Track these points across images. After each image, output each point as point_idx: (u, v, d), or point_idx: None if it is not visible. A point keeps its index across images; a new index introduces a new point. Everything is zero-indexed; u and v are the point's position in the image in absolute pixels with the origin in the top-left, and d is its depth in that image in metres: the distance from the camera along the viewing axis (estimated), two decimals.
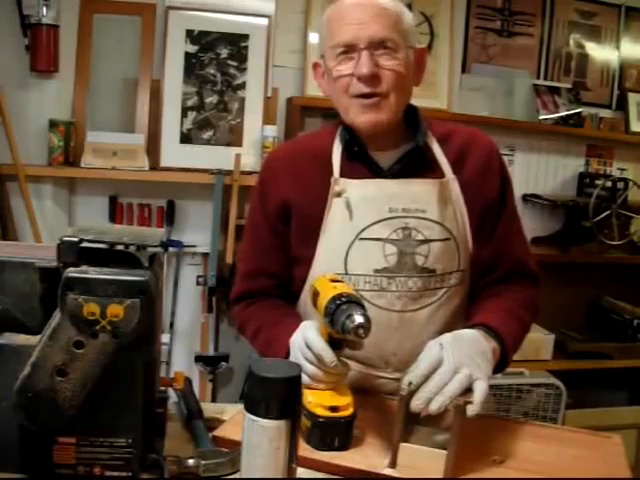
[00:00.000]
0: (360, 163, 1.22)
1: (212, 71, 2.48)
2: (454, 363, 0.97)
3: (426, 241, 1.18)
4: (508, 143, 2.86)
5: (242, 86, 2.51)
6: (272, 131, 2.47)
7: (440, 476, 0.94)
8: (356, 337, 0.93)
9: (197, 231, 2.56)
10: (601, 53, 3.02)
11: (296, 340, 1.09)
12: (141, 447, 0.86)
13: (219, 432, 1.05)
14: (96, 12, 2.40)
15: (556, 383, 2.54)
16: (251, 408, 0.78)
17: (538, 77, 2.93)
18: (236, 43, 2.49)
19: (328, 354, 1.01)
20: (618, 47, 3.03)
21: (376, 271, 1.18)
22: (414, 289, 1.19)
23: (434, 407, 0.94)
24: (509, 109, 2.83)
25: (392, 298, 1.18)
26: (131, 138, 2.40)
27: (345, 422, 1.01)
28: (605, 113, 3.01)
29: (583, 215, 2.73)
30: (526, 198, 2.88)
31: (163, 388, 0.99)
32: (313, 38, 2.53)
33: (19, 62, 2.31)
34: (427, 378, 0.96)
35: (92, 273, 0.82)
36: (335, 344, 1.01)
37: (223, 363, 2.54)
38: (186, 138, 2.47)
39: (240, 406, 0.84)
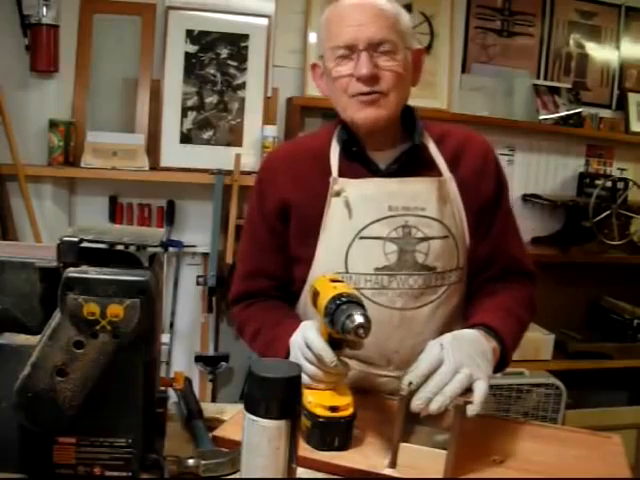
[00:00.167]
0: (358, 163, 1.23)
1: (212, 71, 2.48)
2: (454, 363, 0.97)
3: (426, 239, 1.19)
4: (508, 143, 2.86)
5: (242, 86, 2.51)
6: (272, 131, 2.47)
7: (440, 476, 0.94)
8: (356, 337, 0.93)
9: (197, 231, 2.56)
10: (601, 53, 3.02)
11: (296, 340, 1.09)
12: (141, 447, 0.86)
13: (219, 432, 1.05)
14: (96, 12, 2.40)
15: (556, 383, 2.54)
16: (251, 408, 0.78)
17: (538, 77, 2.93)
18: (236, 43, 2.49)
19: (328, 354, 1.01)
20: (618, 47, 3.03)
21: (377, 269, 1.18)
22: (415, 287, 1.19)
23: (434, 407, 0.94)
24: (509, 109, 2.83)
25: (393, 296, 1.19)
26: (131, 138, 2.40)
27: (345, 422, 1.01)
28: (605, 113, 3.01)
29: (583, 215, 2.73)
30: (526, 198, 2.88)
31: (163, 388, 0.99)
32: (313, 38, 2.53)
33: (19, 62, 2.31)
34: (427, 378, 0.96)
35: (92, 273, 0.82)
36: (335, 344, 1.01)
37: (223, 363, 2.54)
38: (186, 138, 2.47)
39: (240, 406, 0.84)
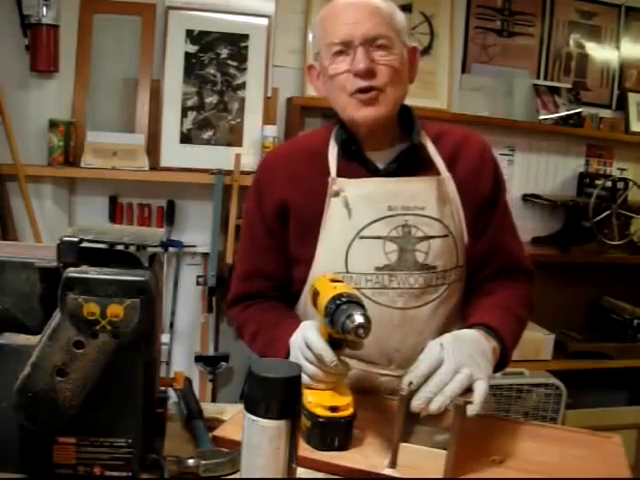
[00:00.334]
0: (356, 162, 1.23)
1: (212, 71, 2.48)
2: (454, 363, 0.97)
3: (426, 238, 1.19)
4: (508, 143, 2.86)
5: (242, 86, 2.51)
6: (272, 131, 2.47)
7: (440, 476, 0.94)
8: (356, 337, 0.93)
9: (197, 231, 2.56)
10: (601, 53, 3.02)
11: (296, 340, 1.09)
12: (141, 447, 0.86)
13: (219, 432, 1.05)
14: (96, 12, 2.40)
15: (556, 383, 2.54)
16: (251, 408, 0.78)
17: (538, 77, 2.93)
18: (236, 43, 2.49)
19: (328, 354, 1.01)
20: (618, 47, 3.03)
21: (377, 269, 1.18)
22: (415, 286, 1.19)
23: (434, 407, 0.94)
24: (509, 109, 2.83)
25: (394, 295, 1.19)
26: (131, 138, 2.40)
27: (345, 422, 1.01)
28: (605, 113, 3.01)
29: (583, 215, 2.73)
30: (526, 198, 2.88)
31: (163, 388, 0.99)
32: None
33: (19, 62, 2.31)
34: (427, 378, 0.96)
35: (92, 273, 0.82)
36: (335, 344, 1.01)
37: (223, 363, 2.54)
38: (186, 138, 2.47)
39: (240, 406, 0.84)
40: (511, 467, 0.99)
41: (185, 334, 2.62)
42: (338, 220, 1.20)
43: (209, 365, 2.54)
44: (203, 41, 2.46)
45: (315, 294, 1.05)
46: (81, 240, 0.86)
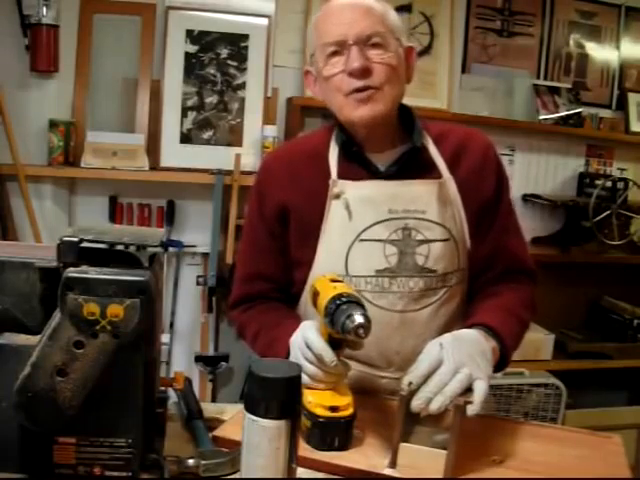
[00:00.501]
0: (357, 164, 1.22)
1: (212, 71, 2.48)
2: (454, 363, 0.97)
3: (426, 241, 1.18)
4: (508, 143, 2.86)
5: (242, 86, 2.51)
6: (272, 131, 2.47)
7: (440, 476, 0.94)
8: (356, 337, 0.93)
9: (197, 231, 2.56)
10: (601, 53, 3.02)
11: (296, 340, 1.09)
12: (141, 447, 0.86)
13: (219, 432, 1.05)
14: (96, 12, 2.40)
15: (556, 383, 2.54)
16: (251, 408, 0.78)
17: (538, 77, 2.93)
18: (236, 43, 2.49)
19: (328, 354, 1.01)
20: (618, 47, 3.03)
21: (377, 272, 1.18)
22: (415, 289, 1.19)
23: (434, 407, 0.94)
24: (509, 109, 2.83)
25: (393, 298, 1.18)
26: (131, 138, 2.40)
27: (345, 422, 1.01)
28: (605, 113, 3.01)
29: (583, 215, 2.73)
30: (526, 198, 2.88)
31: (163, 388, 0.99)
32: None
33: (19, 62, 2.31)
34: (427, 378, 0.96)
35: (92, 273, 0.82)
36: (335, 344, 1.01)
37: (223, 363, 2.54)
38: (186, 138, 2.47)
39: (240, 406, 0.84)
40: (511, 467, 0.99)
41: (185, 334, 2.62)
42: (338, 222, 1.19)
43: (209, 365, 2.54)
44: (203, 41, 2.46)
45: (315, 294, 1.05)
46: (81, 240, 0.86)
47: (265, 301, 1.29)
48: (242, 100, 2.51)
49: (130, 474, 0.86)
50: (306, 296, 1.20)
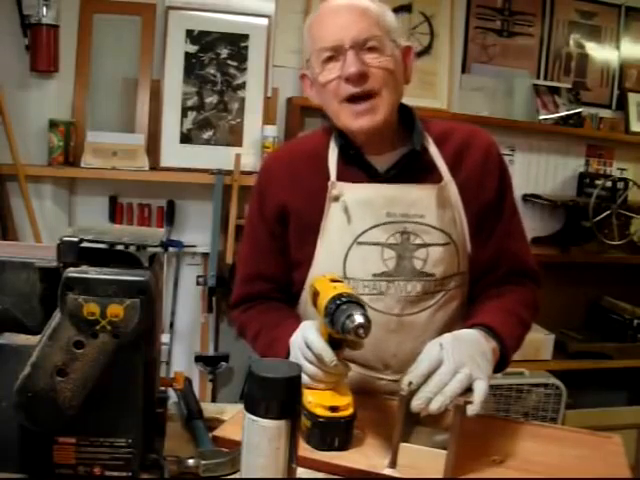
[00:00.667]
0: (357, 166, 1.21)
1: (212, 71, 2.48)
2: (454, 363, 0.97)
3: (424, 245, 1.18)
4: (508, 143, 2.86)
5: (242, 86, 2.51)
6: (272, 131, 2.47)
7: (440, 476, 0.94)
8: (356, 337, 0.93)
9: (197, 231, 2.56)
10: (601, 53, 3.02)
11: (296, 340, 1.09)
12: (141, 447, 0.86)
13: (219, 432, 1.05)
14: (96, 12, 2.40)
15: (556, 383, 2.54)
16: (251, 408, 0.78)
17: (538, 77, 2.93)
18: (236, 43, 2.49)
19: (328, 354, 1.01)
20: (618, 47, 3.03)
21: (375, 275, 1.17)
22: (413, 293, 1.18)
23: (434, 407, 0.94)
24: (509, 109, 2.83)
25: (391, 302, 1.18)
26: (131, 138, 2.40)
27: (345, 422, 1.01)
28: (605, 113, 3.01)
29: (583, 215, 2.73)
30: (526, 198, 2.88)
31: (163, 388, 0.99)
32: None
33: (19, 62, 2.31)
34: (427, 378, 0.96)
35: (92, 273, 0.82)
36: (335, 344, 1.01)
37: (223, 363, 2.54)
38: (186, 138, 2.47)
39: (240, 406, 0.84)
40: (511, 467, 0.99)
41: (185, 334, 2.62)
42: (337, 225, 1.19)
43: (209, 365, 2.54)
44: (203, 41, 2.46)
45: (315, 294, 1.05)
46: (81, 240, 0.86)
47: (266, 301, 1.29)
48: (242, 100, 2.51)
49: (130, 474, 0.86)
50: (306, 296, 1.20)
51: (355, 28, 1.12)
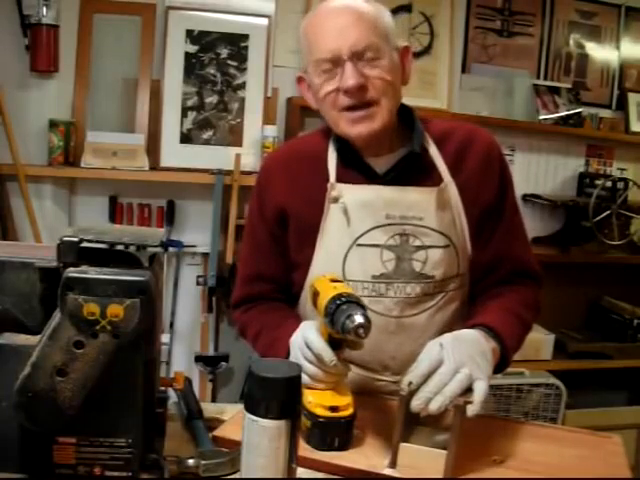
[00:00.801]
0: (356, 168, 1.21)
1: (212, 71, 2.48)
2: (454, 363, 0.97)
3: (423, 247, 1.17)
4: (508, 143, 2.86)
5: (242, 86, 2.51)
6: (272, 131, 2.47)
7: (440, 476, 0.94)
8: (356, 337, 0.93)
9: (197, 231, 2.56)
10: (601, 53, 3.02)
11: (296, 340, 1.09)
12: (141, 447, 0.86)
13: (219, 432, 1.05)
14: (96, 12, 2.40)
15: (556, 383, 2.54)
16: (251, 408, 0.78)
17: (538, 77, 2.93)
18: (236, 43, 2.49)
19: (328, 354, 1.01)
20: (618, 47, 3.03)
21: (374, 277, 1.17)
22: (412, 295, 1.18)
23: (434, 407, 0.94)
24: (509, 109, 2.83)
25: (390, 304, 1.18)
26: (131, 138, 2.40)
27: (345, 422, 1.01)
28: (605, 113, 3.01)
29: (583, 215, 2.73)
30: (526, 198, 2.88)
31: (163, 388, 0.99)
32: None
33: (19, 62, 2.31)
34: (427, 378, 0.96)
35: (92, 273, 0.82)
36: (335, 344, 1.01)
37: (223, 363, 2.54)
38: (186, 138, 2.47)
39: (240, 406, 0.84)
40: (511, 467, 0.99)
41: (185, 334, 2.62)
42: (336, 227, 1.19)
43: (209, 365, 2.54)
44: (203, 41, 2.46)
45: (315, 294, 1.05)
46: (81, 240, 0.86)
47: (266, 301, 1.29)
48: (242, 100, 2.51)
49: (130, 474, 0.86)
50: (305, 297, 1.20)
51: (352, 36, 1.10)
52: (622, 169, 2.95)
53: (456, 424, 0.94)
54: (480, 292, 1.26)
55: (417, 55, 2.65)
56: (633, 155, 3.07)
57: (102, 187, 2.46)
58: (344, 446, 1.00)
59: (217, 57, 2.48)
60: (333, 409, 1.00)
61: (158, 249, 1.21)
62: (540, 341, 2.66)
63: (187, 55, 2.45)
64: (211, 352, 2.58)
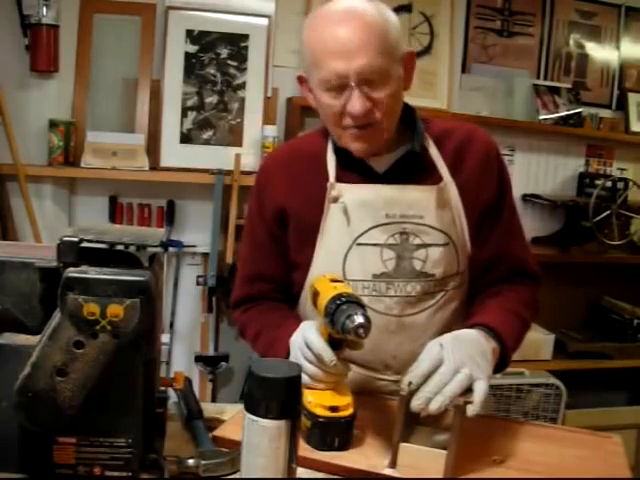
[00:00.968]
0: (355, 167, 1.21)
1: (212, 71, 2.48)
2: (454, 363, 0.97)
3: (424, 245, 1.17)
4: (508, 143, 2.86)
5: (242, 86, 2.51)
6: (272, 131, 2.47)
7: (440, 476, 0.94)
8: (356, 337, 0.93)
9: (197, 231, 2.56)
10: (601, 53, 3.02)
11: (296, 340, 1.09)
12: (141, 447, 0.86)
13: (219, 432, 1.05)
14: (96, 12, 2.40)
15: (556, 383, 2.54)
16: (251, 408, 0.78)
17: (538, 77, 2.93)
18: (236, 43, 2.49)
19: (328, 354, 1.01)
20: (618, 47, 3.03)
21: (374, 276, 1.17)
22: (413, 294, 1.18)
23: (434, 407, 0.94)
24: (509, 109, 2.83)
25: (390, 303, 1.18)
26: (131, 138, 2.40)
27: (345, 422, 1.01)
28: (605, 113, 3.01)
29: (583, 215, 2.73)
30: (526, 198, 2.88)
31: (163, 388, 0.99)
32: None
33: (19, 62, 2.31)
34: (427, 378, 0.96)
35: (92, 273, 0.82)
36: (335, 344, 1.01)
37: (223, 363, 2.54)
38: (186, 138, 2.47)
39: (240, 406, 0.84)
40: (511, 467, 0.99)
41: (185, 334, 2.62)
42: (336, 226, 1.19)
43: (209, 365, 2.54)
44: (203, 41, 2.46)
45: (315, 294, 1.05)
46: (81, 240, 0.86)
47: (266, 301, 1.29)
48: (242, 100, 2.51)
49: (130, 474, 0.86)
50: (305, 297, 1.20)
51: (360, 59, 1.06)
52: (622, 169, 2.95)
53: (456, 424, 0.94)
54: (479, 291, 1.26)
55: (417, 55, 2.62)
56: (633, 155, 3.07)
57: (102, 187, 2.46)
58: (344, 446, 1.00)
59: (217, 57, 2.48)
60: (333, 409, 1.00)
61: (158, 249, 1.21)
62: (540, 341, 2.66)
63: (187, 55, 2.45)
64: (211, 352, 2.58)
